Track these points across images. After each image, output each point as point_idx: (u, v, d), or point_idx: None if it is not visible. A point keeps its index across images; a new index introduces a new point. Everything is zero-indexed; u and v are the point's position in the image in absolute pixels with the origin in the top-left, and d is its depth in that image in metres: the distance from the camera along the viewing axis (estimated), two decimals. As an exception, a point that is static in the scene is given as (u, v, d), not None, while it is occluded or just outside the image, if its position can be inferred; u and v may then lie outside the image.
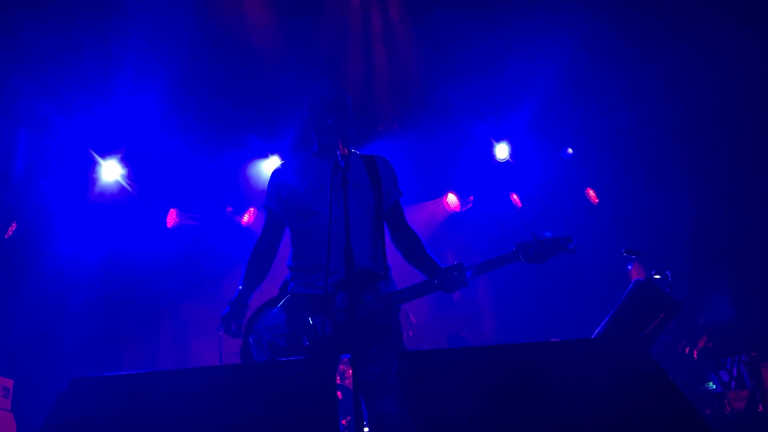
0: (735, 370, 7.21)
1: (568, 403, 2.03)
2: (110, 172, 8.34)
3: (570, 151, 9.32)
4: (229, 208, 9.17)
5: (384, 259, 3.22)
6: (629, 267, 7.80)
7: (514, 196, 9.57)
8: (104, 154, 8.25)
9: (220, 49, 7.60)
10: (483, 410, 2.00)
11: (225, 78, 7.84)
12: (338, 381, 6.78)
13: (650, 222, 8.70)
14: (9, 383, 7.05)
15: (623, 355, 2.20)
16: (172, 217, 9.01)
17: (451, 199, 9.68)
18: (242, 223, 9.21)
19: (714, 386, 7.10)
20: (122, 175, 8.48)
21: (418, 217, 9.53)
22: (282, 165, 3.48)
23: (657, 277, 4.94)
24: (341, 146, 2.83)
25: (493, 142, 9.03)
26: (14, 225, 8.23)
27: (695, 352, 7.39)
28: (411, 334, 7.54)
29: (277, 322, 3.02)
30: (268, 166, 8.51)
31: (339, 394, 6.60)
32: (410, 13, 7.75)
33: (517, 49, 7.64)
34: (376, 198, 3.28)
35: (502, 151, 8.98)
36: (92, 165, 8.30)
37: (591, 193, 9.60)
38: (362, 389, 2.91)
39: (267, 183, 3.45)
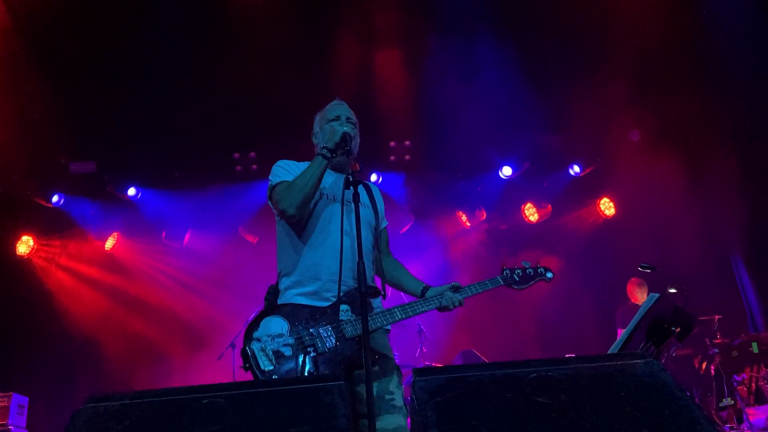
0: (753, 385, 7.11)
1: (583, 419, 2.01)
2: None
3: (577, 169, 9.33)
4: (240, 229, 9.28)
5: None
6: (629, 284, 7.68)
7: (525, 211, 9.55)
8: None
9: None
10: (498, 427, 1.98)
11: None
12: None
13: (666, 236, 8.64)
14: (24, 400, 7.09)
15: (640, 370, 2.18)
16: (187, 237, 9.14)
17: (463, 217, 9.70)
18: (253, 241, 9.28)
19: (732, 402, 7.00)
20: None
21: (430, 234, 9.55)
22: (292, 162, 3.39)
23: (673, 291, 4.90)
24: (353, 165, 3.01)
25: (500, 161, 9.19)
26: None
27: (712, 368, 7.29)
28: (425, 350, 7.50)
29: (280, 331, 2.98)
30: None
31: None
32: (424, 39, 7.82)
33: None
34: (374, 219, 3.37)
35: (507, 168, 9.23)
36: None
37: (602, 206, 9.57)
38: (361, 407, 2.90)
39: (277, 167, 3.34)
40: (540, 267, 3.43)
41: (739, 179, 8.37)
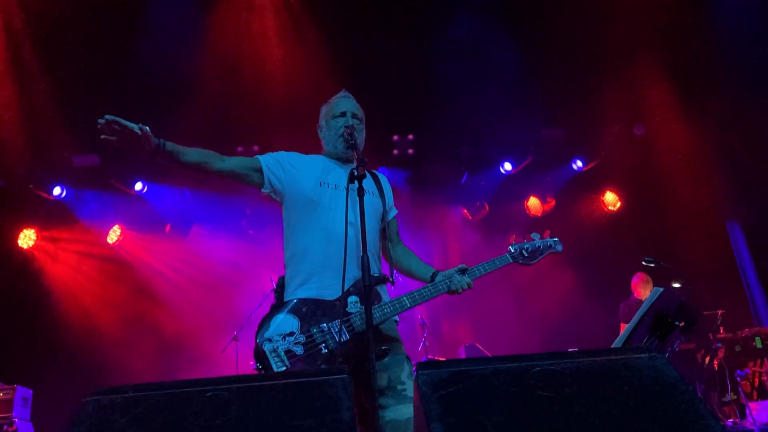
0: (757, 380, 7.11)
1: (586, 413, 2.01)
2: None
3: (579, 164, 9.34)
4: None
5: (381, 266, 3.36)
6: (634, 279, 7.68)
7: (529, 205, 9.54)
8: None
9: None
10: (501, 421, 1.98)
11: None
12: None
13: (670, 232, 8.63)
14: (28, 393, 7.12)
15: (644, 364, 2.17)
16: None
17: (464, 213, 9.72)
18: (257, 234, 9.28)
19: (735, 396, 6.99)
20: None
21: (433, 228, 9.54)
22: (295, 153, 3.40)
23: (677, 285, 4.89)
24: (357, 156, 2.99)
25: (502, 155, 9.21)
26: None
27: (716, 362, 7.29)
28: (428, 343, 7.51)
29: (290, 329, 2.95)
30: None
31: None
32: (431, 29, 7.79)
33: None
34: (382, 207, 3.36)
35: (507, 164, 9.30)
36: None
37: (606, 200, 9.56)
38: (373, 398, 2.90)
39: (273, 152, 3.37)
40: (549, 239, 3.35)
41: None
